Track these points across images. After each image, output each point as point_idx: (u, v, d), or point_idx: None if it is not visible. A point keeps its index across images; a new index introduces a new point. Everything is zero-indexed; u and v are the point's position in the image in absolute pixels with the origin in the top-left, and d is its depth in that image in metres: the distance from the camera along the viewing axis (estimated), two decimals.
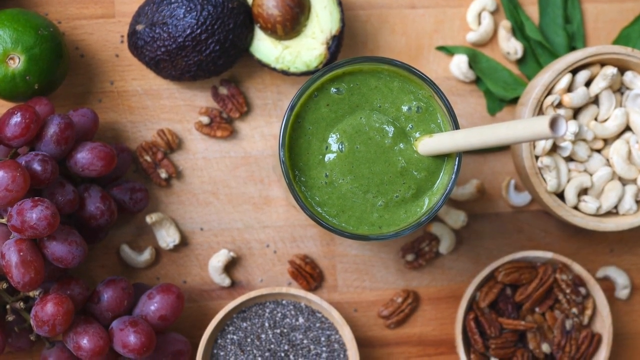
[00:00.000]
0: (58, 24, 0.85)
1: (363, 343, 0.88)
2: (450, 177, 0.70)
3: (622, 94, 0.83)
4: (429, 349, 0.89)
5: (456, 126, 0.70)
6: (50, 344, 0.78)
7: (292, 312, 0.84)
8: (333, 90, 0.72)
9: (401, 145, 0.71)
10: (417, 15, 0.89)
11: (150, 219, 0.84)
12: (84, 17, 0.86)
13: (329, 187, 0.72)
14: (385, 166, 0.71)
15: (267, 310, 0.84)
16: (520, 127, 0.60)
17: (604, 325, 0.85)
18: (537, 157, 0.81)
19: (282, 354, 0.83)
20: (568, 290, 0.85)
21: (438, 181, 0.72)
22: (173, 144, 0.85)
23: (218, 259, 0.85)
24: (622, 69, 0.82)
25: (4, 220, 0.73)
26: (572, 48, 0.89)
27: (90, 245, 0.83)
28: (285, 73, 0.83)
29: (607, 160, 0.82)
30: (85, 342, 0.75)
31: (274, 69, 0.83)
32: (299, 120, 0.72)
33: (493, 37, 0.90)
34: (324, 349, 0.84)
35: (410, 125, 0.72)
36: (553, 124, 0.57)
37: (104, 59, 0.86)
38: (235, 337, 0.83)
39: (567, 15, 0.90)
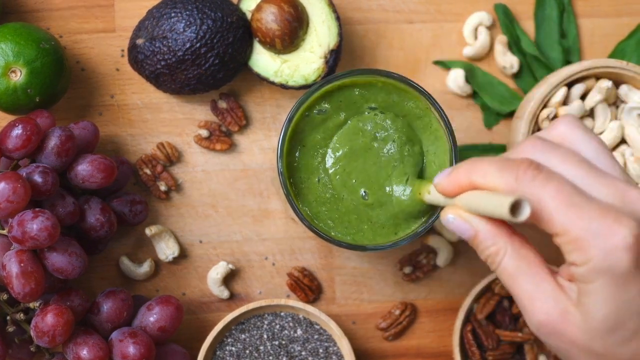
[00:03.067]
0: (59, 38, 0.86)
1: (361, 355, 0.88)
2: None
3: (617, 107, 0.84)
4: None
5: (453, 139, 0.71)
6: (50, 354, 0.78)
7: (291, 324, 0.84)
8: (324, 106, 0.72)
9: (398, 158, 0.72)
10: (414, 30, 0.90)
11: (149, 231, 0.84)
12: (85, 32, 0.86)
13: (327, 199, 0.72)
14: (383, 178, 0.72)
15: (266, 322, 0.84)
16: (485, 200, 0.56)
17: None
18: None
19: None
20: None
21: None
22: (173, 157, 0.86)
23: (217, 271, 0.86)
24: (617, 82, 0.83)
25: (4, 232, 0.74)
26: (567, 62, 0.90)
27: (90, 256, 0.83)
28: (283, 87, 0.84)
29: None
30: (85, 353, 0.75)
31: (272, 83, 0.84)
32: (297, 132, 0.72)
33: (489, 52, 0.90)
34: None
35: (407, 138, 0.73)
36: (515, 207, 0.53)
37: (105, 73, 0.86)
38: (234, 348, 0.83)
39: (563, 30, 0.90)
